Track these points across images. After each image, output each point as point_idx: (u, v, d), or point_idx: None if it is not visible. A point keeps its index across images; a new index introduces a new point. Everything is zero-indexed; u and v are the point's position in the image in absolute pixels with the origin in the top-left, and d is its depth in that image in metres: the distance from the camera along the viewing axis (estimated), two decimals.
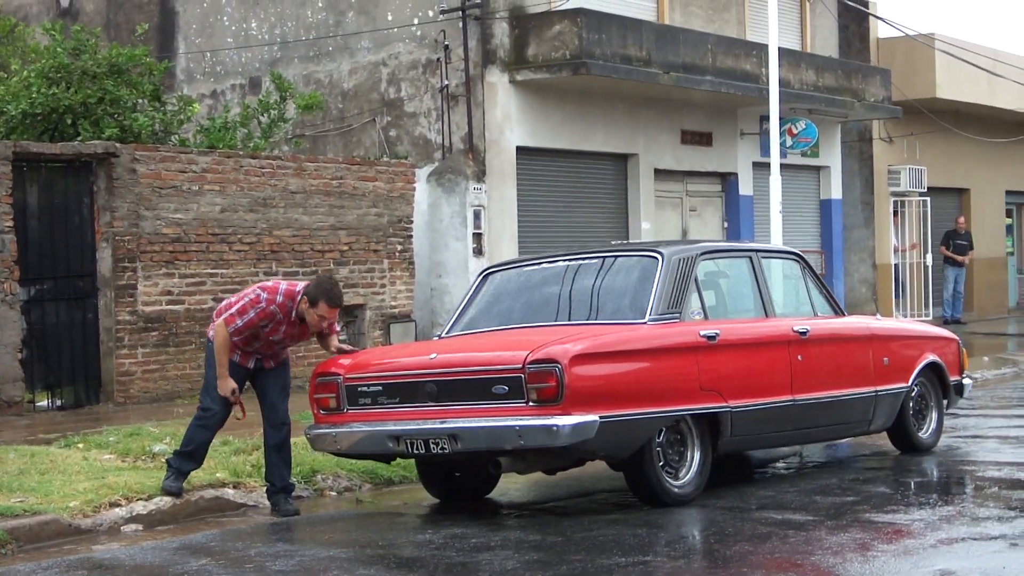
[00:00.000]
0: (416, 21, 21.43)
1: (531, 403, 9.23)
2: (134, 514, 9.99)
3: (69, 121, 18.28)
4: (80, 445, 12.40)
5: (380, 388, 9.91)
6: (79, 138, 17.66)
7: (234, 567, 8.33)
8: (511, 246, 21.03)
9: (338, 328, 10.74)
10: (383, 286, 19.09)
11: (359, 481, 11.43)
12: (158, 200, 16.60)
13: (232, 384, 10.25)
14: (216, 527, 9.91)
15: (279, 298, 10.11)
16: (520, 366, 9.26)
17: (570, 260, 11.07)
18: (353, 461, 11.22)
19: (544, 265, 11.24)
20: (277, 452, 10.39)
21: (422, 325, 19.91)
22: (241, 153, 18.10)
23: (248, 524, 10.00)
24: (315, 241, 18.28)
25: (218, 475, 10.98)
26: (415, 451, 9.65)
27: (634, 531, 9.01)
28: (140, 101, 19.22)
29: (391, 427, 9.73)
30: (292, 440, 12.11)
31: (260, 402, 10.53)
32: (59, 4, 25.94)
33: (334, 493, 11.22)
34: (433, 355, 9.89)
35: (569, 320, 10.48)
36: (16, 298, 15.38)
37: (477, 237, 20.62)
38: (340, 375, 10.03)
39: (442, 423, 9.50)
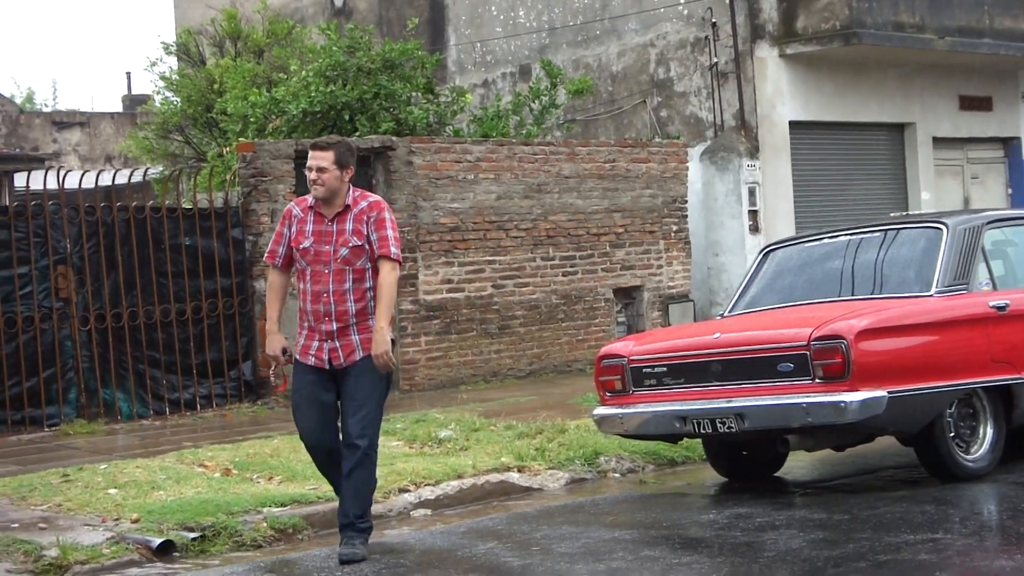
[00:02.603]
0: (683, 0, 21.30)
1: (817, 380, 9.09)
2: (422, 499, 10.17)
3: (347, 117, 18.72)
4: None
5: (665, 369, 9.89)
6: (357, 133, 18.06)
7: (520, 550, 8.39)
8: (787, 222, 20.74)
9: (392, 251, 8.38)
10: (660, 267, 19.04)
11: (642, 462, 11.40)
12: (435, 191, 16.88)
13: (280, 341, 8.48)
14: (502, 510, 10.00)
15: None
16: (805, 343, 9.13)
17: (852, 234, 10.86)
18: (635, 442, 11.19)
19: (825, 240, 11.05)
20: (348, 479, 8.34)
21: (700, 304, 19.79)
22: (514, 141, 18.27)
23: (533, 507, 10.05)
24: (590, 225, 18.33)
25: (503, 459, 11.10)
26: (702, 431, 9.61)
27: (922, 508, 8.78)
28: (414, 94, 19.57)
29: (677, 407, 9.70)
30: (576, 423, 12.22)
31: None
32: (333, 4, 26.57)
33: (617, 475, 11.22)
34: (717, 335, 9.83)
35: (853, 295, 10.29)
36: None
37: (752, 214, 20.42)
38: (625, 357, 10.05)
39: (728, 402, 9.44)
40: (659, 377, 9.91)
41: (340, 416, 8.36)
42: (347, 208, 8.47)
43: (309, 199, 8.54)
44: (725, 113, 20.82)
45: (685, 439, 10.37)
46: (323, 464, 8.51)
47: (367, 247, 8.37)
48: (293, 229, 8.48)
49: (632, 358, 10.03)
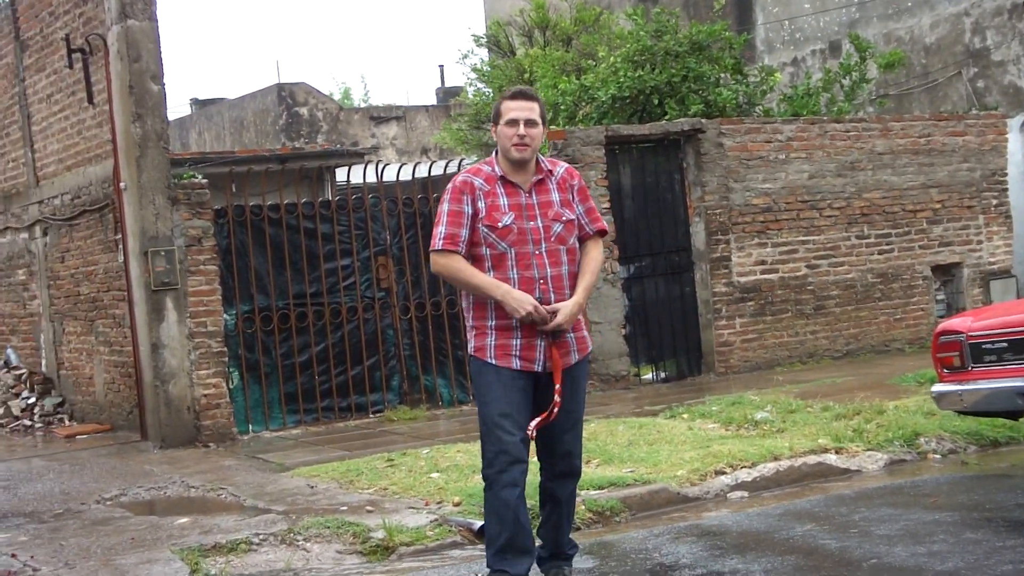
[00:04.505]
0: None
1: None
2: (739, 481, 10.16)
3: (656, 101, 18.78)
4: (684, 415, 12.75)
5: (1005, 344, 9.68)
6: (666, 117, 18.11)
7: (838, 532, 8.32)
8: None
9: (605, 226, 7.04)
10: (979, 242, 18.52)
11: (964, 443, 11.17)
12: (746, 172, 16.80)
13: (525, 297, 6.65)
14: (820, 492, 9.92)
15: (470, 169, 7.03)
16: None
17: None
18: (956, 423, 11.01)
19: None
20: (567, 506, 7.06)
21: (1023, 281, 19.18)
22: (825, 118, 18.03)
23: (852, 489, 9.94)
24: (905, 201, 17.97)
25: (820, 441, 11.02)
26: None
27: None
28: (722, 75, 19.51)
29: (1019, 383, 9.49)
30: (895, 403, 12.01)
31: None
32: None
33: (938, 456, 11.01)
34: None
35: None
36: (617, 276, 15.98)
37: None
38: (963, 333, 9.88)
39: None
40: (999, 353, 9.71)
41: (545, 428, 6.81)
42: (547, 175, 6.91)
43: (486, 168, 6.90)
44: None
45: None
46: (515, 485, 6.69)
47: (577, 221, 6.92)
48: (480, 204, 6.75)
49: (971, 334, 9.85)
